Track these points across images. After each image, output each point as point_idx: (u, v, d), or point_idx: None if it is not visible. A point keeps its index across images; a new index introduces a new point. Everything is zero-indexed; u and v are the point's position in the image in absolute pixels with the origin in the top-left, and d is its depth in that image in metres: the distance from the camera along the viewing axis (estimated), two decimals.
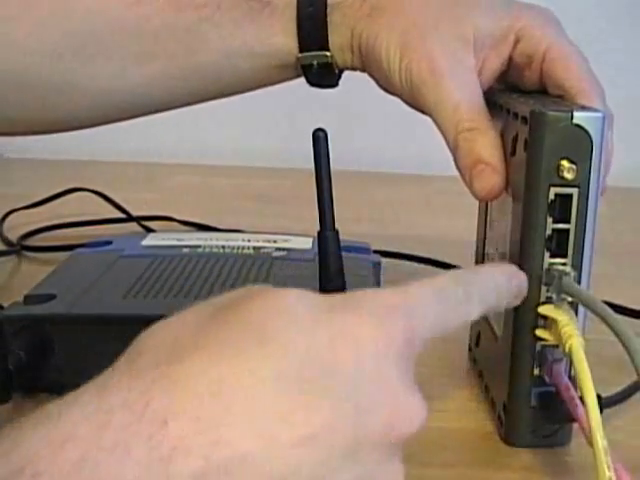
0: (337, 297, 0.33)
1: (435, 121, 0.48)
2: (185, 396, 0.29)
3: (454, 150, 0.47)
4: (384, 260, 0.69)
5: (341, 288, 0.44)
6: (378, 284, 0.62)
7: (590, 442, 0.36)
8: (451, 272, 0.37)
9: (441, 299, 0.35)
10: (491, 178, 0.45)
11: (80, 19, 0.55)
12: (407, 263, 0.77)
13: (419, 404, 0.32)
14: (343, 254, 0.44)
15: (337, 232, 0.44)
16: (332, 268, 0.44)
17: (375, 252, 0.69)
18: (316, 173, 0.42)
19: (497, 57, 0.50)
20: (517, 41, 0.49)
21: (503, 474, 0.43)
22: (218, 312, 0.33)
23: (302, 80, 0.57)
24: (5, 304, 0.52)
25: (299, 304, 0.32)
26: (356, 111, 1.16)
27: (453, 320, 0.35)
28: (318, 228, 0.44)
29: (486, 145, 0.46)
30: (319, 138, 0.42)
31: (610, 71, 1.14)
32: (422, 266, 0.76)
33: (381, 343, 0.31)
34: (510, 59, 0.50)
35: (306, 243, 0.66)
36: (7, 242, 0.82)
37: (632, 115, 1.19)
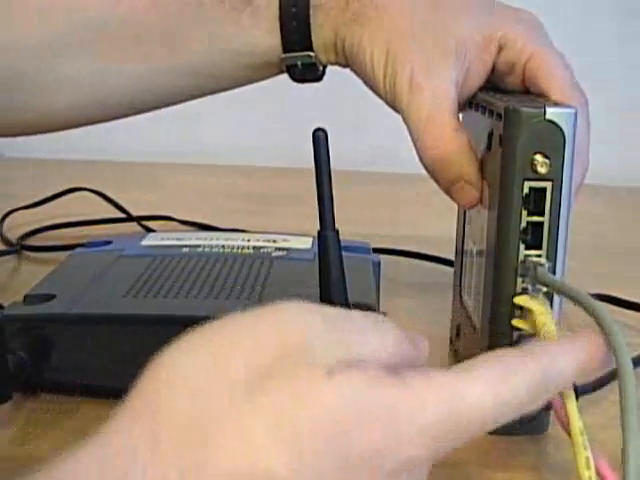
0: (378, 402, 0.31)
1: (409, 131, 0.49)
2: None
3: (426, 167, 0.49)
4: (384, 257, 0.70)
5: None
6: (378, 283, 0.63)
7: (565, 427, 0.37)
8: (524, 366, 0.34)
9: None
10: (471, 193, 0.47)
11: (63, 17, 0.55)
12: (407, 260, 0.78)
13: None
14: (343, 254, 0.44)
15: (337, 232, 0.44)
16: (332, 268, 0.44)
17: (375, 250, 0.69)
18: (316, 173, 0.42)
19: (480, 66, 0.50)
20: (500, 49, 0.50)
21: (504, 473, 0.43)
22: (255, 391, 0.29)
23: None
24: (5, 304, 0.53)
25: (337, 411, 0.30)
26: (356, 111, 1.16)
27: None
28: (318, 228, 0.44)
29: (460, 163, 0.47)
30: (319, 138, 0.42)
31: (611, 72, 1.16)
32: (422, 262, 0.77)
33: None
34: (493, 66, 0.50)
35: (306, 243, 0.66)
36: (7, 242, 0.82)
37: (632, 115, 1.20)
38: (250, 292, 0.54)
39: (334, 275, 0.44)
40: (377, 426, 0.30)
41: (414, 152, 0.49)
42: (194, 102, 0.61)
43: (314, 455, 0.29)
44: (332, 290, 0.44)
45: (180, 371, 0.30)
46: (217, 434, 0.29)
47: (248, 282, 0.56)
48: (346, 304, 0.44)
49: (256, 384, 0.30)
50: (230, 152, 1.27)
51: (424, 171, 0.49)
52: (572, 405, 0.37)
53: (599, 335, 0.36)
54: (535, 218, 0.42)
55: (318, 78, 0.57)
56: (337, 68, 0.56)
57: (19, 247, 0.81)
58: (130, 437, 0.29)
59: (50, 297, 0.53)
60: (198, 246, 0.65)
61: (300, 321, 0.33)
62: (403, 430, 0.30)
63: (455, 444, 0.32)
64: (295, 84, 0.58)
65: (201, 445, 0.28)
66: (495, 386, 0.33)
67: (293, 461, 0.28)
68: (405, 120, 0.49)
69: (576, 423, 0.37)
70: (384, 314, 0.50)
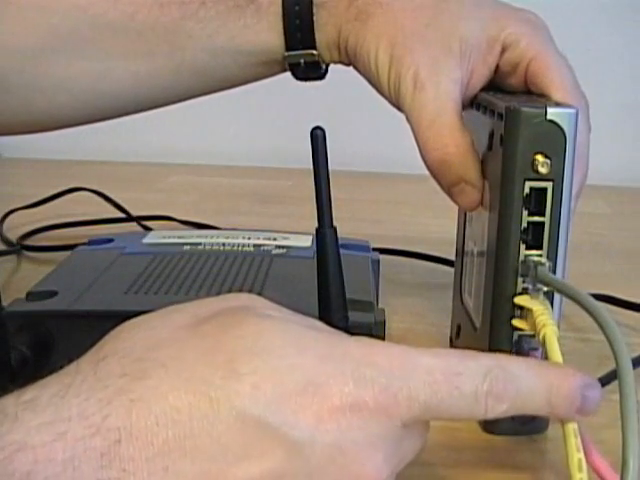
0: (323, 343, 0.33)
1: (412, 131, 0.49)
2: (142, 418, 0.29)
3: (429, 167, 0.48)
4: (384, 257, 0.70)
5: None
6: (377, 281, 0.64)
7: (562, 424, 0.38)
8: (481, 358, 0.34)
9: (451, 385, 0.33)
10: (472, 194, 0.47)
11: (63, 16, 0.55)
12: (407, 260, 0.78)
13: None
14: (343, 251, 0.44)
15: (335, 229, 0.44)
16: (330, 264, 0.44)
17: (374, 250, 0.70)
18: (314, 171, 0.43)
19: (484, 67, 0.50)
20: (503, 50, 0.49)
21: (503, 473, 0.43)
22: (197, 325, 0.33)
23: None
24: (5, 304, 0.52)
25: (278, 343, 0.32)
26: (356, 111, 1.17)
27: (454, 412, 0.33)
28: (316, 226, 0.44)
29: (462, 164, 0.47)
30: (317, 136, 0.42)
31: (612, 72, 1.16)
32: (422, 262, 0.77)
33: (349, 412, 0.31)
34: (497, 66, 0.50)
35: (306, 241, 0.67)
36: (7, 242, 0.82)
37: (632, 115, 1.21)
38: (250, 289, 0.54)
39: (332, 271, 0.44)
40: (314, 357, 0.32)
41: (414, 152, 0.49)
42: (194, 101, 0.61)
43: (250, 376, 0.30)
44: (330, 286, 0.44)
45: (128, 326, 0.34)
46: (156, 357, 0.31)
47: (248, 279, 0.56)
48: (343, 300, 0.44)
49: (197, 323, 0.33)
50: (230, 152, 1.28)
51: (424, 171, 0.49)
52: None
53: (577, 372, 0.36)
54: (536, 218, 0.42)
55: (321, 76, 0.58)
56: (338, 67, 0.56)
57: (19, 247, 0.81)
58: (77, 362, 0.32)
59: (52, 294, 0.53)
60: (199, 244, 0.65)
61: (245, 298, 0.36)
62: (343, 368, 0.32)
63: (403, 399, 0.32)
64: (296, 83, 0.58)
65: (139, 360, 0.31)
66: (448, 358, 0.33)
67: (230, 385, 0.30)
68: (408, 120, 0.49)
69: (570, 425, 0.37)
70: (383, 310, 0.50)
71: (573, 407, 0.35)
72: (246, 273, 0.58)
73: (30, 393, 0.30)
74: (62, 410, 0.29)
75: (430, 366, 0.33)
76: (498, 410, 0.34)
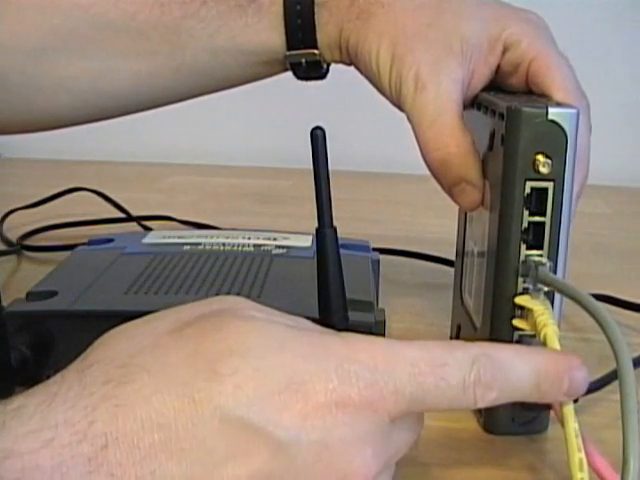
0: (306, 341, 0.33)
1: (413, 131, 0.49)
2: (127, 423, 0.29)
3: (429, 167, 0.48)
4: (384, 257, 0.70)
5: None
6: (377, 281, 0.64)
7: (562, 424, 0.38)
8: (465, 347, 0.34)
9: (437, 376, 0.33)
10: (472, 194, 0.47)
11: (64, 15, 0.55)
12: (407, 260, 0.78)
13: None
14: (343, 251, 0.44)
15: (335, 229, 0.44)
16: (330, 264, 0.44)
17: (374, 250, 0.70)
18: (314, 171, 0.42)
19: (485, 67, 0.50)
20: (505, 50, 0.49)
21: (503, 473, 0.43)
22: (180, 330, 0.33)
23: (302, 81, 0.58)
24: (5, 304, 0.52)
25: (260, 344, 0.32)
26: (356, 111, 1.17)
27: (443, 403, 0.33)
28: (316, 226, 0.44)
29: (463, 164, 0.47)
30: (317, 136, 0.42)
31: (612, 72, 1.16)
32: (422, 263, 0.77)
33: (335, 409, 0.31)
34: (498, 66, 0.50)
35: (306, 241, 0.67)
36: (7, 242, 0.82)
37: (632, 115, 1.21)
38: (250, 289, 0.54)
39: (332, 271, 0.44)
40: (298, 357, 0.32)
41: (414, 152, 0.49)
42: (194, 101, 0.61)
43: (232, 376, 0.31)
44: (330, 286, 0.44)
45: (112, 335, 0.34)
46: (139, 362, 0.31)
47: (248, 279, 0.56)
48: (343, 300, 0.44)
49: (180, 328, 0.33)
50: (230, 152, 1.28)
51: (424, 171, 0.49)
52: (568, 406, 0.38)
53: (563, 355, 0.37)
54: (536, 218, 0.42)
55: (322, 76, 0.58)
56: (338, 67, 0.56)
57: (19, 247, 0.80)
58: (63, 372, 0.32)
59: (52, 294, 0.53)
60: (199, 244, 0.65)
61: (230, 300, 0.36)
62: (320, 365, 0.32)
63: (387, 396, 0.32)
64: (296, 83, 0.58)
65: (122, 366, 0.31)
66: (434, 349, 0.34)
67: (212, 386, 0.30)
68: (410, 120, 0.49)
69: (571, 424, 0.37)
70: (383, 310, 0.50)
71: (561, 391, 0.36)
72: (246, 273, 0.58)
73: (17, 402, 0.30)
74: (49, 418, 0.29)
75: (415, 358, 0.33)
76: (488, 399, 0.34)
